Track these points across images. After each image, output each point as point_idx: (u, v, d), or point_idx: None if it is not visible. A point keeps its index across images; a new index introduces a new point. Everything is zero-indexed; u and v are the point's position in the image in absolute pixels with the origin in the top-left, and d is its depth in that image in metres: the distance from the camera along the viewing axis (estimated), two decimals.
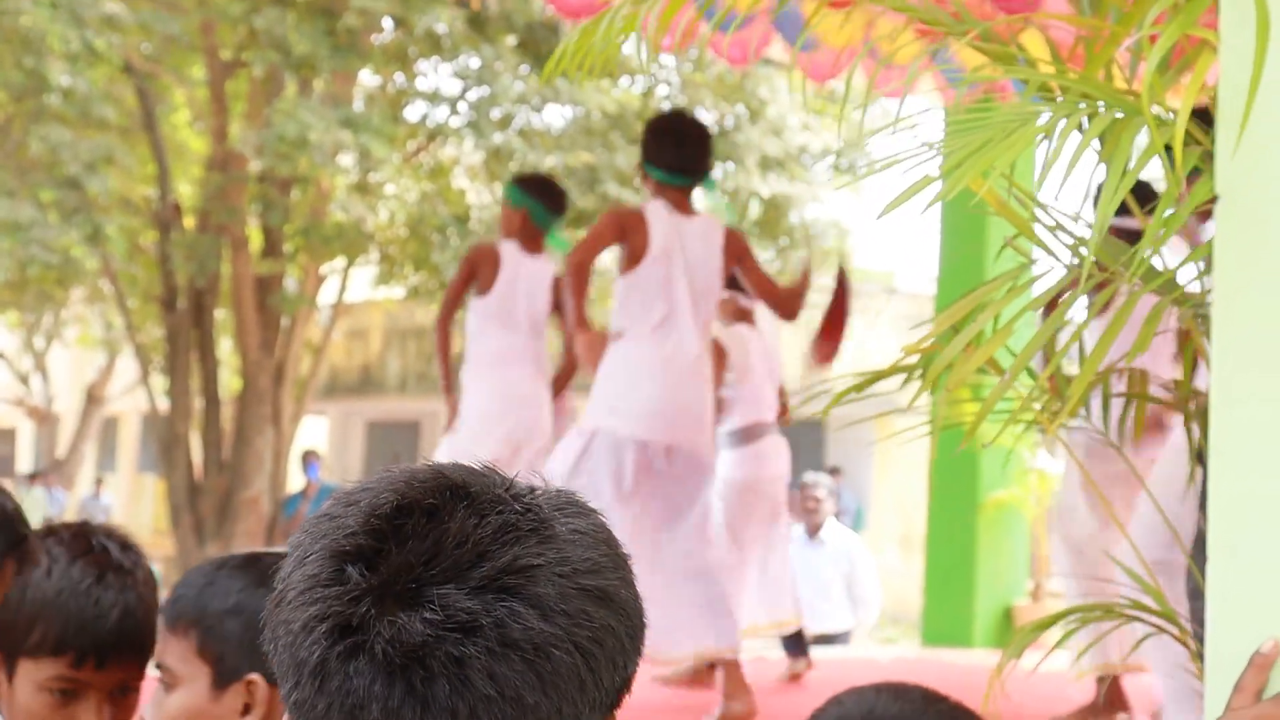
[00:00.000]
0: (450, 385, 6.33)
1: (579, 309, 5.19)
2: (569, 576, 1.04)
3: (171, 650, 1.91)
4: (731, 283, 6.55)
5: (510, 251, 6.21)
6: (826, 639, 9.76)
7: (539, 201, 6.32)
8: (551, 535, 1.05)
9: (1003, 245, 2.12)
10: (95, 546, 2.03)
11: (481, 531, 1.04)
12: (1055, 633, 2.59)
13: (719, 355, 6.44)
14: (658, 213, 5.23)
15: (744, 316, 6.56)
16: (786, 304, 5.60)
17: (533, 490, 1.10)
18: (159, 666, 1.94)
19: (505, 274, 6.16)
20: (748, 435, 6.48)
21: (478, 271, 6.22)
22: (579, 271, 5.17)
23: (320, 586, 1.04)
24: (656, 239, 5.20)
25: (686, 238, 5.28)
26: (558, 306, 6.22)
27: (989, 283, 2.02)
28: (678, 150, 5.34)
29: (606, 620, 1.05)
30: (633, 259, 5.22)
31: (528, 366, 6.21)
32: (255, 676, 1.84)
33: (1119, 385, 2.76)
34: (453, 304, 6.37)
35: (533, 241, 6.26)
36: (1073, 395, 2.08)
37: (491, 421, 6.07)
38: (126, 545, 2.08)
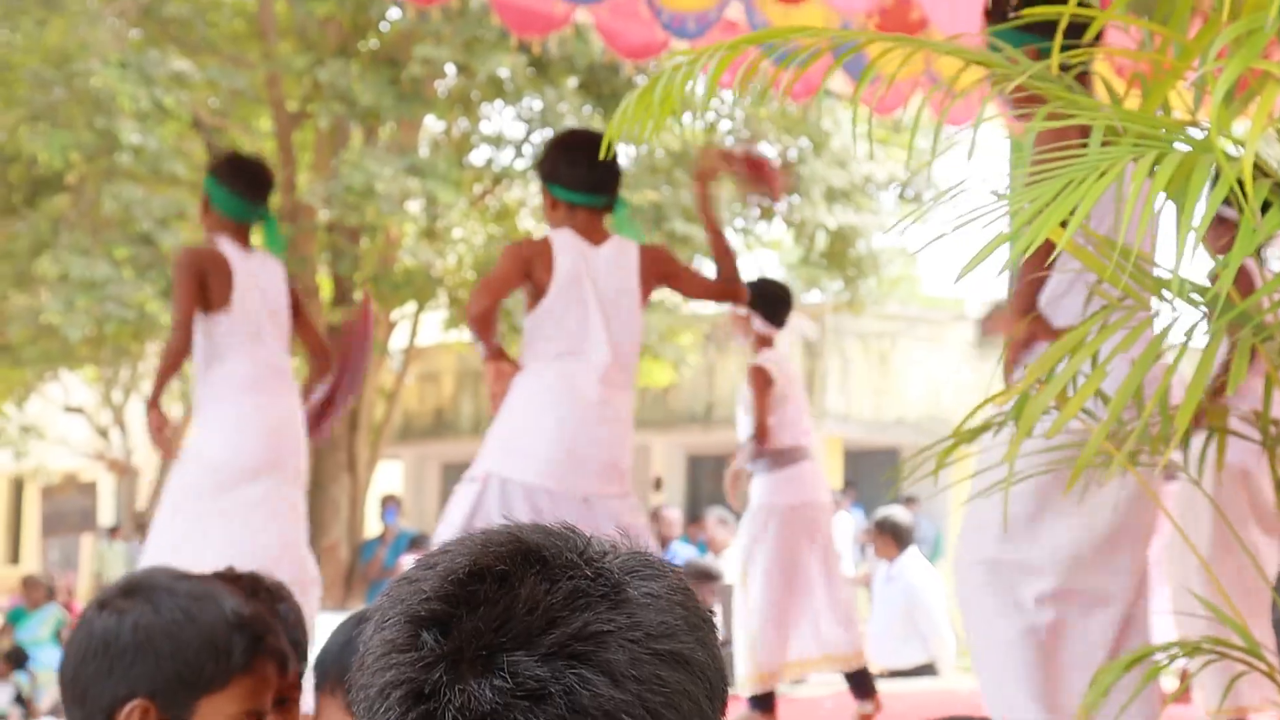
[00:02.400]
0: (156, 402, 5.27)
1: (491, 344, 4.65)
2: (641, 642, 1.03)
3: (324, 709, 2.02)
4: (751, 304, 6.44)
5: (233, 254, 5.29)
6: (901, 674, 9.64)
7: (225, 187, 5.35)
8: (623, 600, 1.05)
9: (1089, 294, 2.10)
10: (242, 576, 2.26)
11: (552, 598, 1.04)
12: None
13: (765, 382, 6.35)
14: (564, 241, 4.70)
15: (766, 342, 6.46)
16: (729, 291, 5.07)
17: (607, 553, 1.09)
18: None
19: (240, 282, 5.25)
20: (783, 459, 6.36)
21: (208, 281, 5.21)
22: (483, 320, 4.64)
23: (396, 652, 1.04)
24: (562, 268, 4.66)
25: (596, 266, 4.72)
26: (296, 312, 5.54)
27: (1075, 328, 2.00)
28: (591, 168, 4.68)
29: (681, 684, 1.04)
30: (538, 293, 4.68)
31: (284, 391, 5.39)
32: None
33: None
34: (191, 326, 5.20)
35: (241, 236, 5.35)
36: (1178, 431, 2.06)
37: (246, 457, 5.22)
38: (270, 577, 2.32)
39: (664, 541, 11.60)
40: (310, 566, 5.45)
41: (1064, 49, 2.25)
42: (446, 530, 4.55)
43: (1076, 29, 2.29)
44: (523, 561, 1.06)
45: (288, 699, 2.16)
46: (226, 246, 5.28)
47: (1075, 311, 3.64)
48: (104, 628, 1.87)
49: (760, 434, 6.26)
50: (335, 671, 2.01)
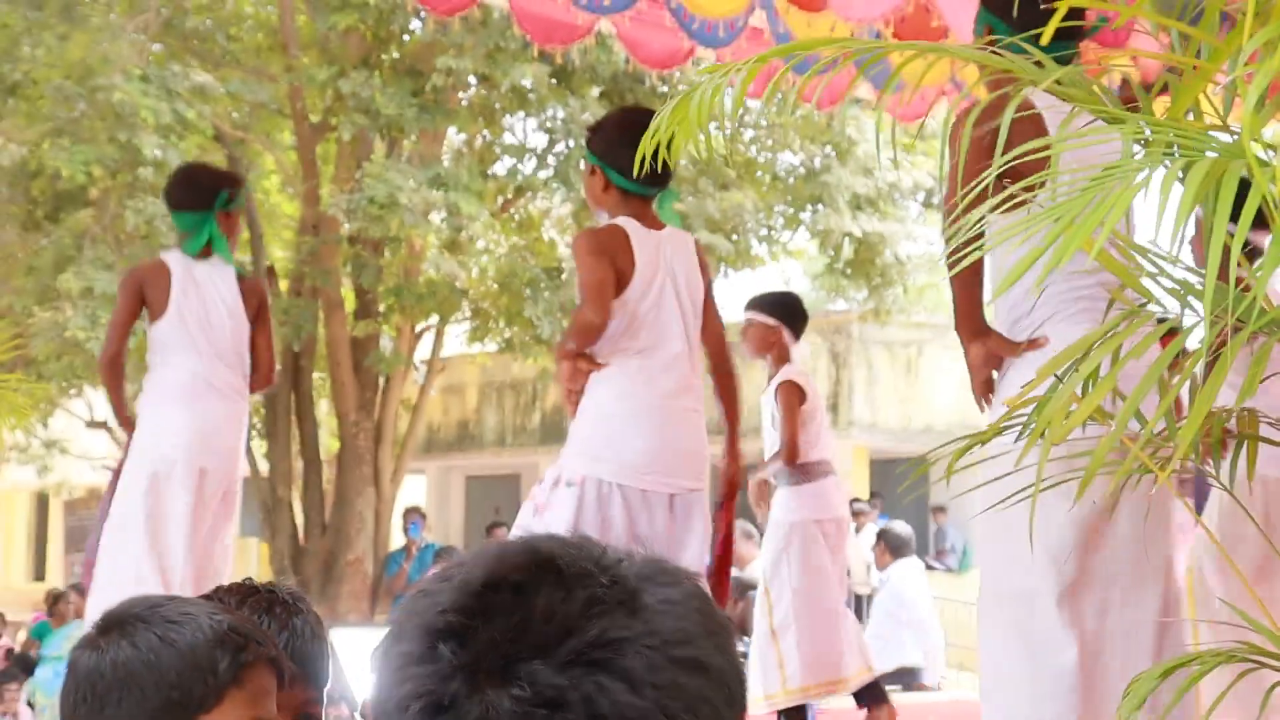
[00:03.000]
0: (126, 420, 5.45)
1: (578, 347, 4.52)
2: (658, 648, 1.03)
3: None
4: (779, 318, 6.45)
5: (177, 264, 5.40)
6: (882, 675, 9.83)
7: (169, 205, 5.55)
8: (640, 607, 1.05)
9: (1110, 301, 2.09)
10: (260, 589, 2.28)
11: (569, 606, 1.04)
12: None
13: (799, 398, 6.32)
14: (636, 230, 4.54)
15: (785, 357, 6.45)
16: (725, 371, 4.82)
17: (622, 560, 1.09)
18: None
19: (178, 291, 5.36)
20: (809, 473, 6.34)
21: (146, 293, 5.39)
22: (588, 334, 4.46)
23: (414, 664, 1.04)
24: (642, 260, 4.52)
25: (668, 254, 4.58)
26: (258, 320, 5.55)
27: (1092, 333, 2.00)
28: (654, 158, 4.54)
29: (701, 690, 1.04)
30: (617, 286, 4.49)
31: (225, 396, 5.40)
32: None
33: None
34: (122, 336, 5.46)
35: (200, 247, 5.44)
36: (1183, 440, 2.05)
37: (179, 465, 5.28)
38: (292, 589, 2.33)
39: None
40: (222, 565, 5.46)
41: (1064, 56, 2.25)
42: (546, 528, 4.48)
43: (1072, 32, 2.28)
44: (538, 571, 1.06)
45: (309, 715, 2.16)
46: (172, 257, 5.43)
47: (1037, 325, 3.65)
48: (87, 669, 1.91)
49: (791, 452, 6.21)
50: None
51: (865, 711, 6.40)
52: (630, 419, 4.49)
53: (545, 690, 1.00)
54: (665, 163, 4.41)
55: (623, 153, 4.45)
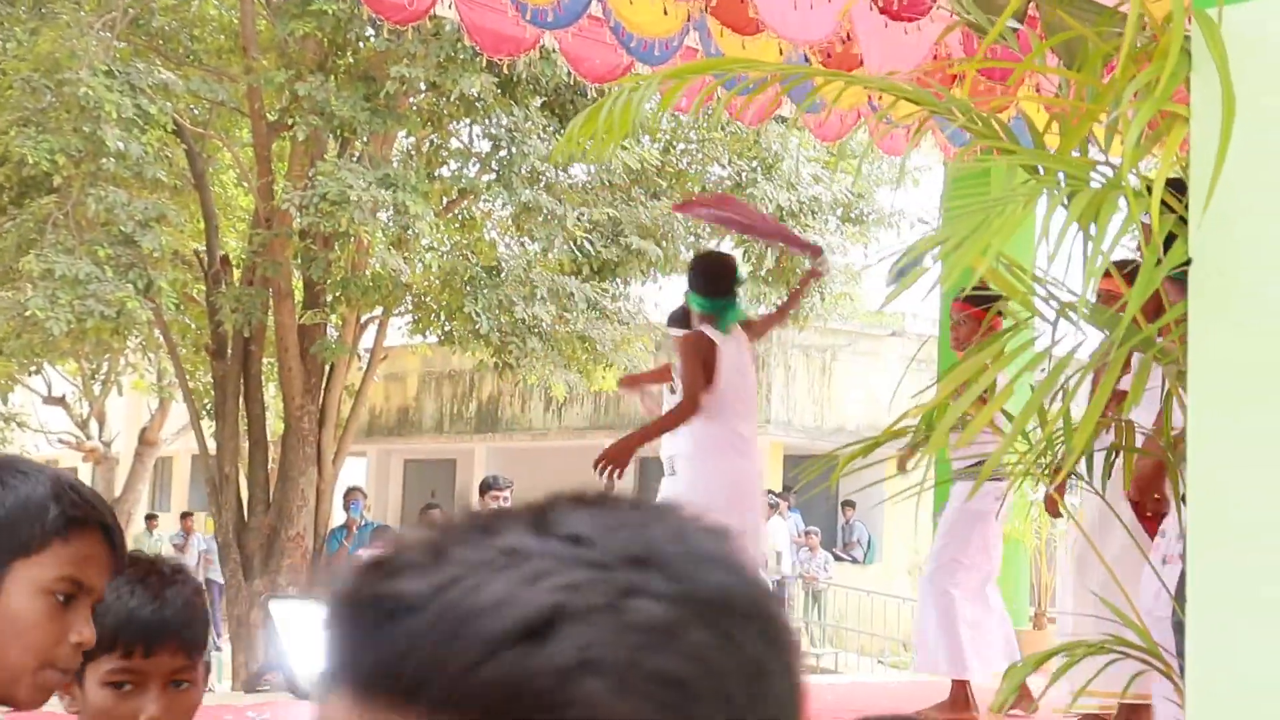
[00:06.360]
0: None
1: None
2: None
3: None
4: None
5: (718, 338, 6.09)
6: None
7: (690, 288, 6.25)
8: None
9: (995, 310, 2.14)
10: (141, 560, 2.23)
11: None
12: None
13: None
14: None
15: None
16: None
17: None
18: None
19: (723, 364, 6.03)
20: None
21: (710, 363, 6.03)
22: None
23: None
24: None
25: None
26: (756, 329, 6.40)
27: (986, 347, 2.04)
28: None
29: None
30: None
31: (745, 454, 6.14)
32: None
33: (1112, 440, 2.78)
34: (702, 392, 6.10)
35: (729, 325, 6.19)
36: (1074, 449, 2.10)
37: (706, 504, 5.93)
38: (173, 563, 2.28)
39: None
40: None
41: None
42: None
43: None
44: None
45: (181, 680, 2.16)
46: (711, 331, 6.05)
47: None
48: None
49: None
50: None
51: None
52: None
53: None
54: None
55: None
